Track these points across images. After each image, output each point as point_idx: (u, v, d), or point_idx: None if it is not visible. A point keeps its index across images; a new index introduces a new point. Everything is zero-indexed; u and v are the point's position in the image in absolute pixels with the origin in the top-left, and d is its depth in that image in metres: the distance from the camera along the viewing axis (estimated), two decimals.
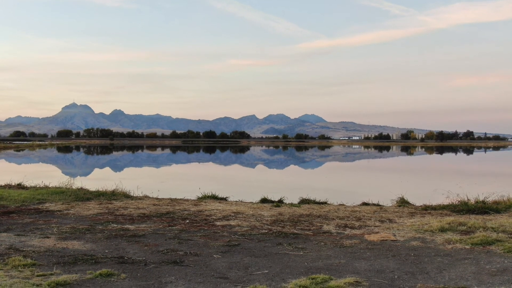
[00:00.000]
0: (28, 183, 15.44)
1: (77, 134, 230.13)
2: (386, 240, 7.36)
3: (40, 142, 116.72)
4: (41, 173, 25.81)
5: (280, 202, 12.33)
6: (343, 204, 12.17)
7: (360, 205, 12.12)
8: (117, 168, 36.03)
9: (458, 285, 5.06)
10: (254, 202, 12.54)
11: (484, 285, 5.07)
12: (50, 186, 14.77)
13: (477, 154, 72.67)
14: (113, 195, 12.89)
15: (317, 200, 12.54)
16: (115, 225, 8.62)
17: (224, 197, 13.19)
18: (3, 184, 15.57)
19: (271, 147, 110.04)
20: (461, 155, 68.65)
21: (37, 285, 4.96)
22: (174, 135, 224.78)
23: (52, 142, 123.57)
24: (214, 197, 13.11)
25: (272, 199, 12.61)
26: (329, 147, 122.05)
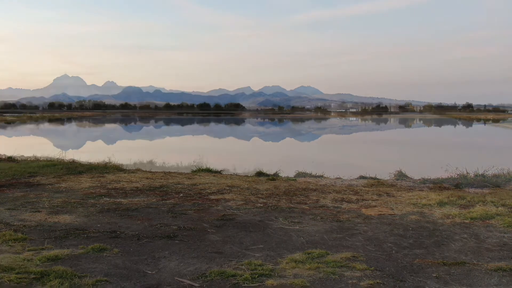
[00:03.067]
0: (18, 156, 15.18)
1: (69, 106, 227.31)
2: (383, 214, 7.27)
3: (31, 114, 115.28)
4: (32, 146, 25.49)
5: (276, 175, 12.20)
6: (340, 178, 12.05)
7: (357, 178, 12.01)
8: (109, 141, 35.67)
9: (457, 260, 4.98)
10: (249, 175, 12.41)
11: (483, 260, 4.99)
12: (41, 159, 14.53)
13: (476, 126, 72.77)
14: (106, 168, 12.69)
15: (314, 173, 12.42)
16: (107, 199, 8.46)
17: (219, 170, 13.05)
18: None
19: (267, 120, 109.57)
20: (460, 127, 68.67)
21: (28, 260, 4.84)
22: (167, 107, 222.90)
23: (44, 114, 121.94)
24: (209, 170, 12.96)
25: (268, 173, 12.49)
26: (326, 119, 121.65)
